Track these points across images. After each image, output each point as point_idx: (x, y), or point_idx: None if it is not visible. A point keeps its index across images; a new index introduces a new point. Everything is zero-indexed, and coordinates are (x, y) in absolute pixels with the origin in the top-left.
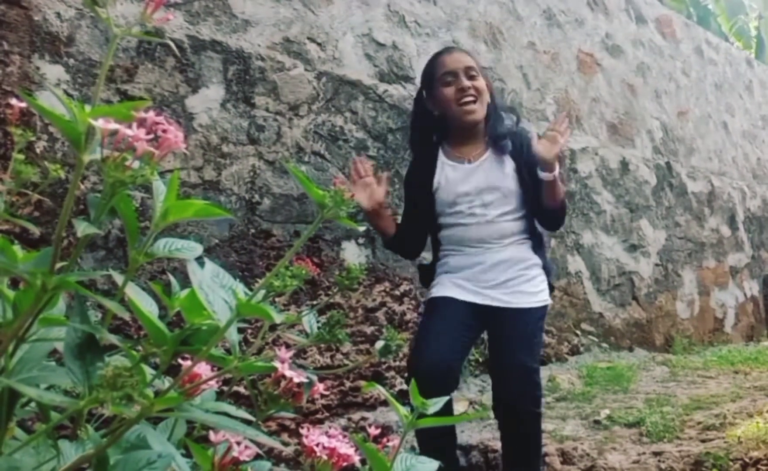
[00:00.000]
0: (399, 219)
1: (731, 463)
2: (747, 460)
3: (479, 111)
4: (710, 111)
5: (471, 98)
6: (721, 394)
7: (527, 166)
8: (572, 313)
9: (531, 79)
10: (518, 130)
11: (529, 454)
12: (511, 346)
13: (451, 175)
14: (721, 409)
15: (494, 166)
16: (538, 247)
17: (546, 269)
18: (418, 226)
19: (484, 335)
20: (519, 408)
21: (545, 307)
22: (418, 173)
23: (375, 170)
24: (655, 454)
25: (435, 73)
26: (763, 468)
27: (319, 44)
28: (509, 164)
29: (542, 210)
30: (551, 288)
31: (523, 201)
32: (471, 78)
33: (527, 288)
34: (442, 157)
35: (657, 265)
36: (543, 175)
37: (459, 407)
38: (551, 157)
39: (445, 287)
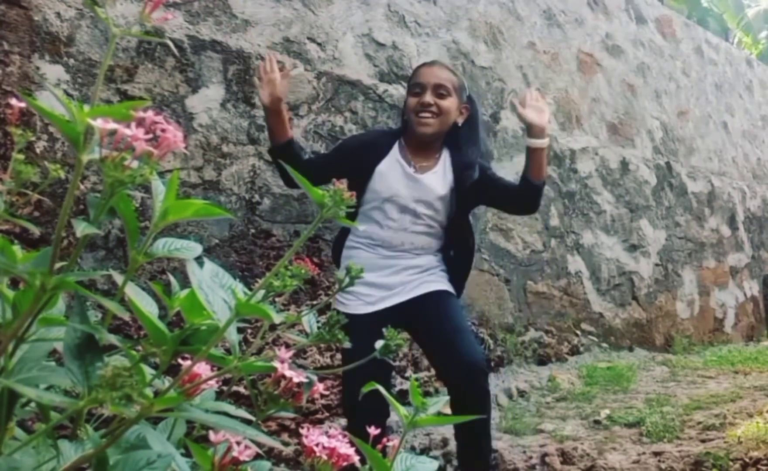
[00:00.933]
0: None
1: (731, 463)
2: (747, 460)
3: (433, 126)
4: (710, 111)
5: (429, 114)
6: (721, 394)
7: (486, 191)
8: (572, 313)
9: (531, 78)
10: (481, 164)
11: (478, 431)
12: (449, 322)
13: (396, 172)
14: (721, 409)
15: (439, 184)
16: (451, 259)
17: (457, 276)
18: (317, 176)
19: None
20: (473, 380)
21: (459, 299)
22: (367, 150)
23: (281, 67)
24: (655, 454)
25: (410, 81)
26: (763, 468)
27: (319, 44)
28: (453, 188)
29: (525, 187)
30: (460, 291)
31: (452, 224)
32: (439, 95)
33: (435, 280)
34: (395, 149)
35: (657, 265)
36: (536, 142)
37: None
38: (543, 121)
39: (351, 301)
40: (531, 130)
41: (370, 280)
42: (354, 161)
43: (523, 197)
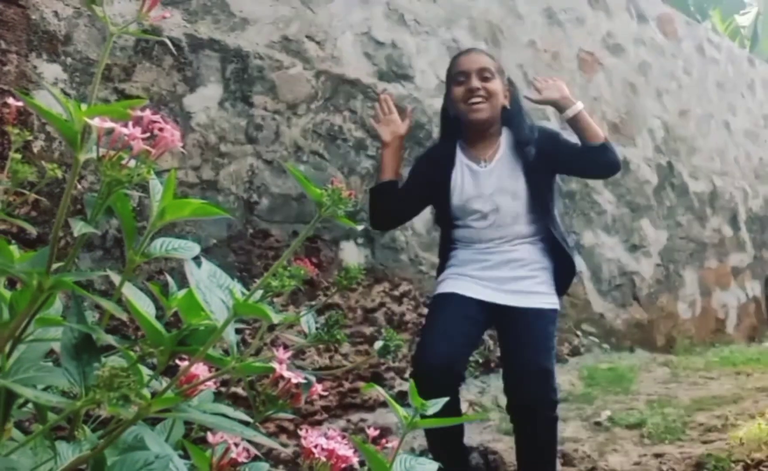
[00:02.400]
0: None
1: (733, 465)
2: (749, 461)
3: (486, 110)
4: (712, 110)
5: (479, 99)
6: (722, 395)
7: (556, 158)
8: (573, 314)
9: (531, 77)
10: (542, 130)
11: (544, 459)
12: (528, 347)
13: (467, 177)
14: (723, 410)
15: (507, 168)
16: (550, 250)
17: (559, 271)
18: (408, 208)
19: (485, 336)
20: (537, 411)
21: (556, 310)
22: (435, 169)
23: (401, 109)
24: (657, 455)
25: (451, 73)
26: (765, 470)
27: (317, 43)
28: (519, 169)
29: (589, 151)
30: (565, 288)
31: (534, 203)
32: (484, 79)
33: (536, 289)
34: (459, 155)
35: (658, 265)
36: (569, 112)
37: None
38: (564, 92)
39: (450, 283)
40: (558, 105)
41: (472, 271)
42: (430, 178)
43: (593, 162)
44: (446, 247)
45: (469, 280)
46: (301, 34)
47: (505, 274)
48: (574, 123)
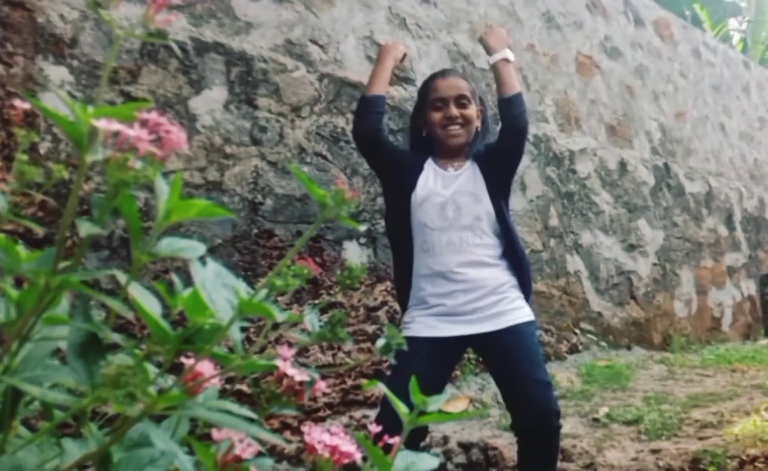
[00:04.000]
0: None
1: (729, 461)
2: (744, 457)
3: (463, 136)
4: (708, 112)
5: (457, 127)
6: (718, 392)
7: (493, 150)
8: (571, 312)
9: (530, 80)
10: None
11: (550, 465)
12: (523, 366)
13: (433, 178)
14: (719, 407)
15: (472, 176)
16: (514, 268)
17: (523, 284)
18: (386, 149)
19: None
20: (545, 427)
21: (535, 321)
22: (404, 169)
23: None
24: (654, 451)
25: (427, 95)
26: (761, 465)
27: (321, 46)
28: (478, 171)
29: (502, 106)
30: (528, 298)
31: (497, 210)
32: (461, 106)
33: (513, 306)
34: (429, 162)
35: (655, 264)
36: (494, 57)
37: (459, 405)
38: (498, 39)
39: (419, 326)
40: (488, 48)
41: (443, 309)
42: (399, 166)
43: (505, 120)
44: (409, 275)
45: (439, 319)
46: (305, 37)
47: (476, 302)
48: (495, 70)
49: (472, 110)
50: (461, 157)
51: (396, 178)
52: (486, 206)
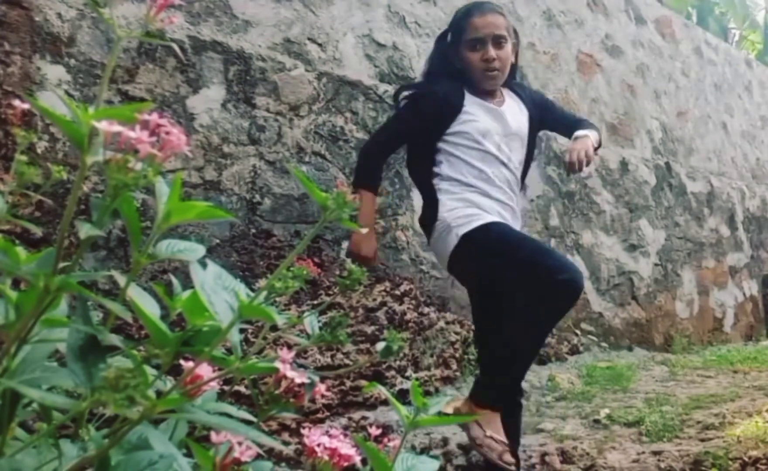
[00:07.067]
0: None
1: (730, 463)
2: (746, 459)
3: (500, 78)
4: (709, 111)
5: (495, 70)
6: (720, 393)
7: (540, 113)
8: (572, 313)
9: (531, 79)
10: (527, 86)
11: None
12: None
13: (482, 113)
14: (721, 408)
15: (516, 113)
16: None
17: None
18: (396, 143)
19: None
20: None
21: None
22: (443, 101)
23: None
24: (655, 453)
25: (464, 32)
26: (762, 467)
27: (319, 45)
28: (525, 114)
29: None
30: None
31: (529, 158)
32: (498, 46)
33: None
34: (468, 94)
35: (656, 264)
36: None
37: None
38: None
39: (490, 214)
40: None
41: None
42: (438, 113)
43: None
44: (448, 196)
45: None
46: (303, 36)
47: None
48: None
49: (508, 49)
50: (497, 92)
51: (443, 123)
52: (524, 152)
